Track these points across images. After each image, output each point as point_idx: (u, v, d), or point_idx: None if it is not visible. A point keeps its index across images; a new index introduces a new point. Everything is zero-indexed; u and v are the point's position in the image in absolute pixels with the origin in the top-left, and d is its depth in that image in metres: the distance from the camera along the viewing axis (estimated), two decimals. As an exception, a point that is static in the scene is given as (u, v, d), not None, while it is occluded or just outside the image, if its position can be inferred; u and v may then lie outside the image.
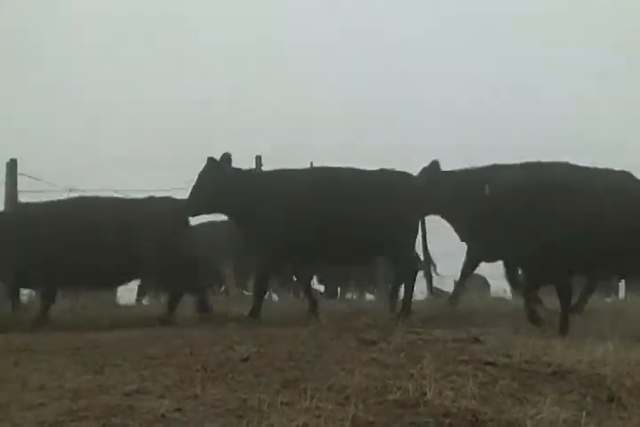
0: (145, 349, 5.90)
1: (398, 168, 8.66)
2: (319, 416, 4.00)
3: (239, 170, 8.60)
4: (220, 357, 5.46)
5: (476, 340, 6.27)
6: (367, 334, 6.47)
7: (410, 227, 8.55)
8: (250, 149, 11.52)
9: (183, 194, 8.65)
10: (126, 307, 10.93)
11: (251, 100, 25.56)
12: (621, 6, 26.26)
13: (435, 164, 9.40)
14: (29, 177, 10.50)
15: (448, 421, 4.05)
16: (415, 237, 8.69)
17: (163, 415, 4.05)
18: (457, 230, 9.45)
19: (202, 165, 8.49)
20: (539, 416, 4.12)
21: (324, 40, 27.52)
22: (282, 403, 4.21)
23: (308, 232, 8.25)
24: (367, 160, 9.09)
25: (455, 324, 7.68)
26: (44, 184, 10.73)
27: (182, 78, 26.82)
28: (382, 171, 8.67)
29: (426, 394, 4.38)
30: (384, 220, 8.33)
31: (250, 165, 11.09)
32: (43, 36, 26.23)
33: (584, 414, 4.20)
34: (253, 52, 27.14)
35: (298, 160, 10.33)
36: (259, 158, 11.33)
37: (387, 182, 8.51)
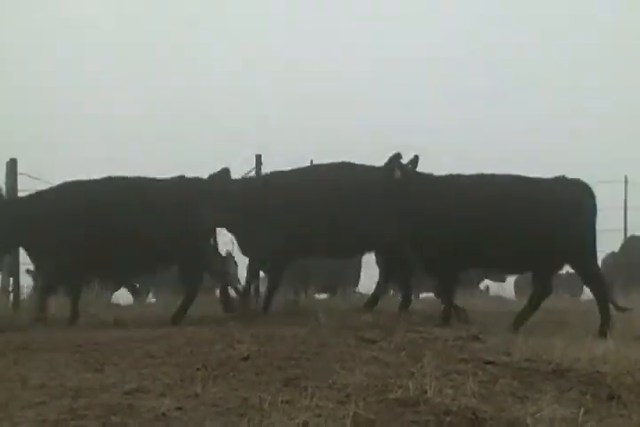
0: (145, 347, 5.89)
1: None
2: (320, 415, 4.00)
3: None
4: (221, 355, 5.46)
5: (477, 338, 6.28)
6: (368, 333, 6.48)
7: (191, 234, 8.34)
8: (250, 149, 11.51)
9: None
10: (126, 306, 10.95)
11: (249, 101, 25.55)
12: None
13: (224, 171, 8.92)
14: (29, 177, 10.49)
15: (448, 419, 4.05)
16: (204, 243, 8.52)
17: (163, 414, 4.05)
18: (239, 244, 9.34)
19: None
20: (539, 414, 4.12)
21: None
22: (282, 401, 4.21)
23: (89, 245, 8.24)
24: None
25: (455, 323, 7.70)
26: (44, 184, 10.72)
27: (182, 78, 26.82)
28: (175, 178, 8.55)
29: (426, 392, 4.38)
30: (161, 228, 8.25)
31: (250, 164, 11.09)
32: (43, 36, 26.24)
33: (582, 411, 4.20)
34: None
35: (298, 159, 10.33)
36: (259, 157, 11.30)
37: (160, 190, 8.45)
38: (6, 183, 10.25)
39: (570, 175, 8.04)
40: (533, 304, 8.00)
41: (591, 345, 5.77)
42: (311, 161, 11.20)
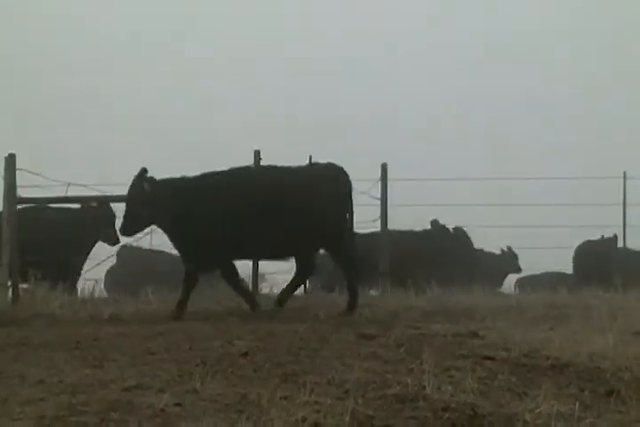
0: (144, 343, 5.90)
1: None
2: (318, 411, 4.00)
3: None
4: (220, 351, 5.46)
5: (475, 334, 6.29)
6: (367, 329, 6.49)
7: None
8: (248, 144, 11.50)
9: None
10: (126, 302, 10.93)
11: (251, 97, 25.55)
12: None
13: None
14: (28, 172, 10.48)
15: (447, 415, 4.05)
16: None
17: (162, 410, 4.05)
18: None
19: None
20: (537, 410, 4.12)
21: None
22: (281, 397, 4.21)
23: None
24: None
25: (454, 319, 7.71)
26: (43, 179, 10.72)
27: (181, 77, 26.81)
28: None
29: (425, 388, 4.38)
30: None
31: (249, 160, 11.09)
32: (42, 34, 26.22)
33: (578, 405, 4.20)
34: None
35: (297, 155, 10.33)
36: (257, 153, 11.30)
37: None
38: (5, 179, 10.23)
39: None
40: (294, 284, 8.42)
41: (590, 341, 5.78)
42: (310, 157, 11.20)
